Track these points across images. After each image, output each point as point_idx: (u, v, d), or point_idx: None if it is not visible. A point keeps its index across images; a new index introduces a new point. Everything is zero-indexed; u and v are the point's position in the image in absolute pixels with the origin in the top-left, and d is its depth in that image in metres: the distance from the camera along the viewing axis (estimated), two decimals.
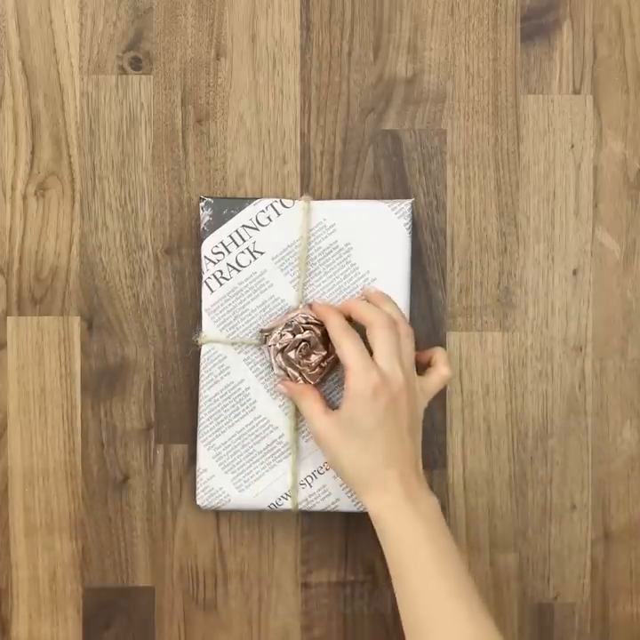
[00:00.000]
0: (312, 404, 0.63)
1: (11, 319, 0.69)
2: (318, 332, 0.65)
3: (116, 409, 0.69)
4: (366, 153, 0.69)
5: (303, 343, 0.65)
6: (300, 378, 0.65)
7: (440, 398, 0.69)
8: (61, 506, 0.69)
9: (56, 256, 0.69)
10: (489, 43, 0.69)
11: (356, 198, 0.69)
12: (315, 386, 0.65)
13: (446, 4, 0.69)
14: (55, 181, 0.69)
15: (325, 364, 0.65)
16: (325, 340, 0.65)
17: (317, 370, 0.65)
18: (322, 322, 0.65)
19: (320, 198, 0.69)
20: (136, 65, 0.69)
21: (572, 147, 0.70)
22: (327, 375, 0.66)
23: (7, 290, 0.69)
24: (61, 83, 0.69)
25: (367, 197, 0.69)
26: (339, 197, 0.69)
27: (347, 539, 0.70)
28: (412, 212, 0.67)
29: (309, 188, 0.69)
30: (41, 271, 0.69)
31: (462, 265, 0.70)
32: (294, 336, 0.65)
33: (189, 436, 0.69)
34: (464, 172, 0.70)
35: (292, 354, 0.65)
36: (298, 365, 0.65)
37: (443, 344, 0.70)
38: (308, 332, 0.65)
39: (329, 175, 0.69)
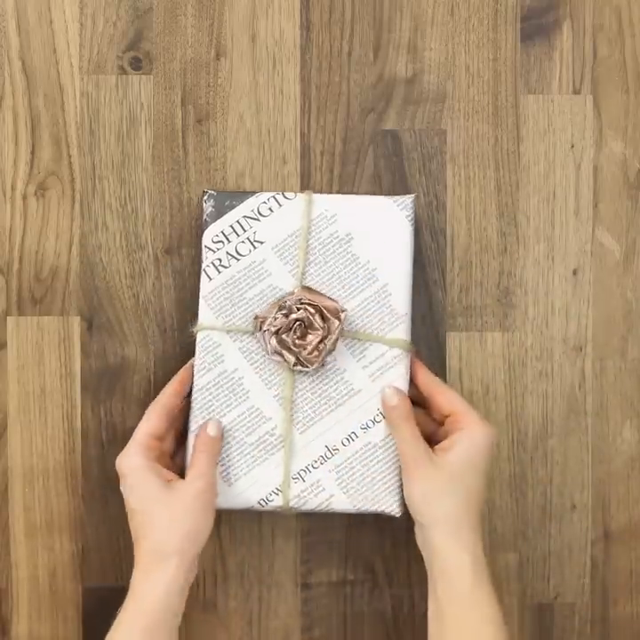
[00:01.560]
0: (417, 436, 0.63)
1: (11, 319, 0.69)
2: (312, 310, 0.63)
3: (115, 409, 0.69)
4: (366, 153, 0.69)
5: (297, 323, 0.63)
6: (296, 361, 0.63)
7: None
8: (61, 506, 0.69)
9: (56, 256, 0.69)
10: (489, 43, 0.69)
11: None
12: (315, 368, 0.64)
13: (446, 3, 0.69)
14: (55, 181, 0.69)
15: (323, 345, 0.63)
16: (322, 319, 0.63)
17: (315, 352, 0.63)
18: (316, 303, 0.63)
19: None
20: (136, 65, 0.69)
21: (572, 147, 0.70)
22: (325, 359, 0.64)
23: (7, 290, 0.69)
24: (61, 83, 0.69)
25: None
26: None
27: (347, 539, 0.70)
28: (415, 207, 0.66)
29: (309, 187, 0.69)
30: (41, 271, 0.69)
31: (462, 265, 0.70)
32: (288, 317, 0.63)
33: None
34: (464, 172, 0.70)
35: (286, 336, 0.63)
36: (293, 348, 0.63)
37: (443, 344, 0.70)
38: (301, 311, 0.63)
39: (329, 175, 0.69)
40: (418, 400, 0.66)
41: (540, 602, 0.70)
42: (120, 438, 0.69)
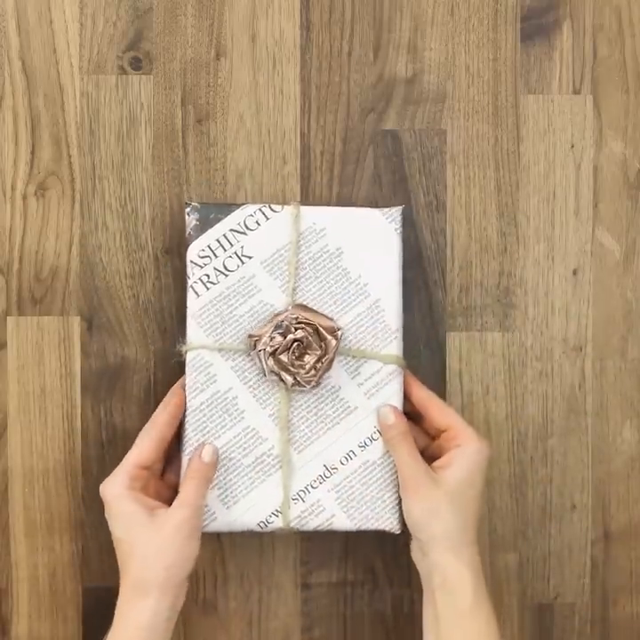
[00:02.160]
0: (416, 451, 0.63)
1: (11, 319, 0.69)
2: (310, 330, 0.63)
3: (115, 409, 0.69)
4: (366, 153, 0.69)
5: (296, 344, 0.62)
6: (294, 381, 0.63)
7: (440, 399, 0.69)
8: (61, 506, 0.69)
9: (56, 256, 0.69)
10: (489, 43, 0.69)
11: (357, 198, 0.69)
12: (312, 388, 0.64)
13: (446, 3, 0.69)
14: (55, 181, 0.69)
15: (320, 364, 0.63)
16: (319, 338, 0.63)
17: (312, 371, 0.63)
18: (313, 322, 0.63)
19: (320, 198, 0.69)
20: (136, 65, 0.69)
21: (572, 147, 0.70)
22: (321, 378, 0.64)
23: (7, 290, 0.69)
24: (61, 83, 0.69)
25: (367, 197, 0.69)
26: (339, 197, 0.69)
27: (347, 539, 0.70)
28: (403, 218, 0.66)
29: (309, 188, 0.69)
30: (41, 271, 0.69)
31: (462, 265, 0.70)
32: (285, 337, 0.63)
33: None
34: (464, 172, 0.70)
35: (284, 356, 0.63)
36: (291, 368, 0.63)
37: (443, 344, 0.70)
38: (300, 331, 0.62)
39: (329, 175, 0.69)
40: (411, 414, 0.66)
41: (540, 602, 0.70)
42: (120, 438, 0.69)
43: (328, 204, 0.69)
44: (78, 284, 0.69)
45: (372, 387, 0.65)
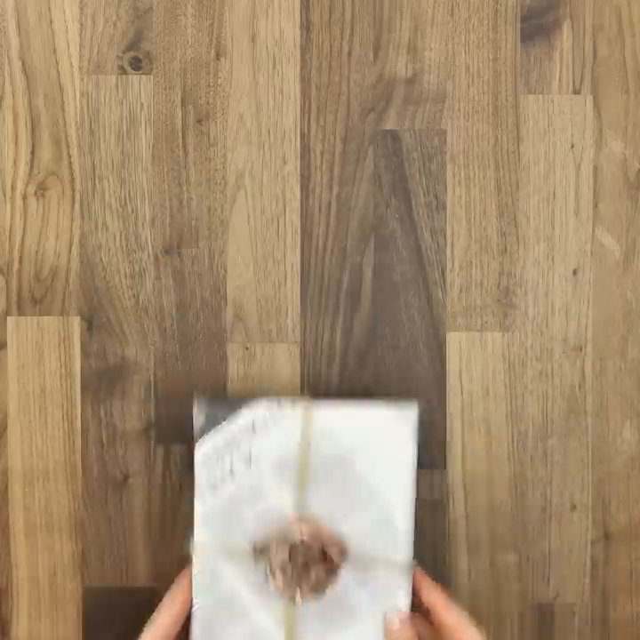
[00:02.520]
0: None
1: (11, 319, 0.69)
2: (315, 549, 0.63)
3: (116, 409, 0.69)
4: (366, 153, 0.69)
5: (299, 560, 0.62)
6: (298, 594, 0.63)
7: (440, 399, 0.69)
8: (61, 506, 0.69)
9: (56, 256, 0.69)
10: (489, 43, 0.69)
11: (357, 198, 0.69)
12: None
13: (446, 3, 0.69)
14: (55, 181, 0.69)
15: (324, 580, 0.63)
16: (323, 555, 0.63)
17: (316, 586, 0.63)
18: (318, 537, 0.63)
19: (320, 198, 0.69)
20: (136, 65, 0.69)
21: (572, 147, 0.70)
22: (326, 589, 0.63)
23: (7, 290, 0.69)
24: (61, 83, 0.69)
25: (367, 197, 0.69)
26: (339, 197, 0.69)
27: None
28: (418, 418, 0.64)
29: (309, 188, 0.69)
30: (41, 271, 0.69)
31: (462, 265, 0.70)
32: (289, 554, 0.63)
33: (190, 435, 0.68)
34: (464, 172, 0.70)
35: (288, 570, 0.63)
36: (294, 584, 0.63)
37: (442, 344, 0.70)
38: (302, 550, 0.62)
39: (329, 175, 0.69)
40: (419, 607, 0.65)
41: (540, 602, 0.70)
42: (120, 438, 0.69)
43: (328, 204, 0.69)
44: (78, 283, 0.69)
45: (379, 591, 0.64)
